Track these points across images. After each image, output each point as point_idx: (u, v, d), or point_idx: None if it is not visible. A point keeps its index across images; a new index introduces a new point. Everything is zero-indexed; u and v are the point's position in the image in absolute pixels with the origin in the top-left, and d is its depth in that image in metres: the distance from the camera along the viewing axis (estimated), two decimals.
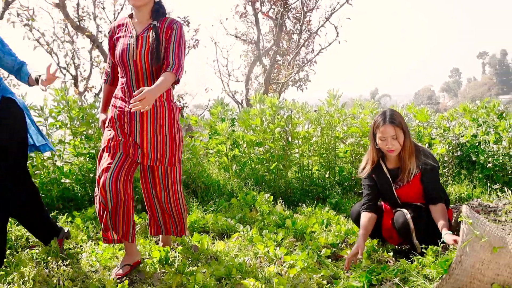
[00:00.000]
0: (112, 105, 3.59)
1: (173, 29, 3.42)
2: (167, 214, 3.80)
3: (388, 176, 3.93)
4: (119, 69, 3.55)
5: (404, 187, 3.86)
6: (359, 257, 3.66)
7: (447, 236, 3.31)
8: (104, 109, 3.85)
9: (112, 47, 3.61)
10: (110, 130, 3.52)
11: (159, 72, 3.38)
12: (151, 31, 3.39)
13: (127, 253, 3.58)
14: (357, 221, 4.13)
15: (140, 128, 3.44)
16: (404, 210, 3.76)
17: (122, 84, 3.51)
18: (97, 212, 3.46)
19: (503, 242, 2.91)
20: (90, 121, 5.49)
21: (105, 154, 3.47)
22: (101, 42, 11.53)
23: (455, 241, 3.16)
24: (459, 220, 3.01)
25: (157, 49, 3.34)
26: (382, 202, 4.20)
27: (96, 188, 3.40)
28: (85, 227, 4.52)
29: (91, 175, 5.59)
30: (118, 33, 3.56)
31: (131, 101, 3.01)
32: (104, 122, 3.75)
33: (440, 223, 3.53)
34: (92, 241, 4.23)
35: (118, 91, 3.57)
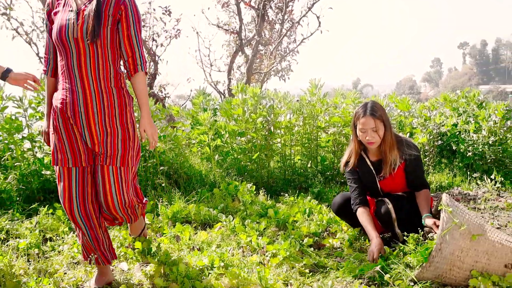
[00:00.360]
0: (54, 99, 3.06)
1: (127, 6, 2.96)
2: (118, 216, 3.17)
3: (372, 168, 3.94)
4: (57, 51, 3.01)
5: (388, 178, 3.87)
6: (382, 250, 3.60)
7: (427, 219, 3.36)
8: (49, 113, 3.15)
9: (51, 24, 3.04)
10: (53, 133, 3.03)
11: (105, 51, 2.93)
12: (93, 2, 2.88)
13: (100, 273, 3.23)
14: (338, 213, 4.14)
15: (87, 120, 2.93)
16: (386, 200, 3.79)
17: (62, 68, 2.97)
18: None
19: (482, 230, 2.95)
20: None
21: (60, 170, 3.02)
22: None
23: (435, 224, 3.21)
24: (439, 208, 3.04)
25: (97, 22, 2.84)
26: None
27: (67, 213, 3.05)
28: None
29: None
30: (56, 7, 3.03)
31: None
32: (47, 133, 3.21)
33: (422, 207, 3.60)
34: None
35: (59, 81, 3.05)
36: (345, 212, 4.07)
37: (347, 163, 4.03)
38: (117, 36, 3.00)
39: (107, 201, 2.98)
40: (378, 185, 3.92)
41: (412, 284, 3.06)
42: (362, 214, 3.83)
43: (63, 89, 2.96)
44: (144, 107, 3.10)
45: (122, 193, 3.00)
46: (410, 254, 3.26)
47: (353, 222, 4.08)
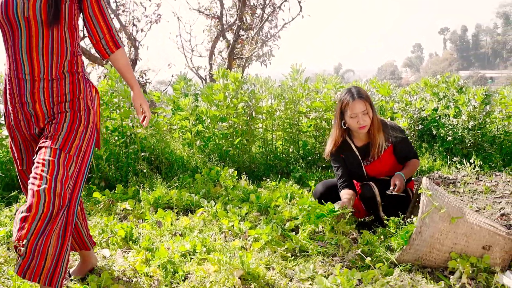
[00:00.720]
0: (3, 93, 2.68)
1: None
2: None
3: (357, 153, 3.95)
4: (1, 31, 2.55)
5: (374, 163, 3.89)
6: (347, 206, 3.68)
7: (395, 175, 3.57)
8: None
9: None
10: (8, 137, 2.71)
11: (61, 32, 2.50)
12: None
13: (83, 261, 3.11)
14: (320, 201, 4.15)
15: (34, 112, 2.54)
16: (371, 184, 3.81)
17: (8, 52, 2.52)
18: None
19: (461, 213, 2.99)
20: None
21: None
22: None
23: (396, 184, 3.40)
24: (419, 192, 3.07)
25: (56, 1, 2.43)
26: None
27: None
28: None
29: None
30: None
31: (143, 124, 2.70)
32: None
33: (403, 167, 3.74)
34: None
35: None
36: (327, 200, 4.08)
37: (332, 151, 4.02)
38: (79, 14, 2.61)
39: (33, 184, 2.33)
40: (364, 170, 3.93)
41: (393, 266, 3.09)
42: (345, 191, 3.88)
43: (9, 78, 2.56)
44: (133, 80, 2.86)
45: (55, 179, 2.35)
46: (391, 237, 3.29)
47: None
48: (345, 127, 3.86)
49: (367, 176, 3.96)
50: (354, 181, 4.12)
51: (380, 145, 3.80)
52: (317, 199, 4.15)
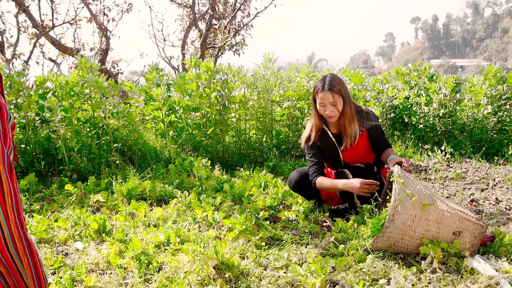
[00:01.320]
0: None
1: None
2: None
3: (334, 140, 3.96)
4: None
5: (350, 149, 3.91)
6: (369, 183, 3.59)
7: (390, 160, 3.43)
8: None
9: None
10: None
11: None
12: None
13: None
14: (295, 189, 4.15)
15: None
16: (346, 171, 3.83)
17: None
18: None
19: (432, 200, 3.03)
20: (19, 89, 5.28)
21: None
22: (28, 6, 11.04)
23: (398, 163, 3.28)
24: (391, 180, 3.10)
25: None
26: None
27: None
28: None
29: (22, 146, 5.41)
30: None
31: None
32: None
33: (389, 155, 3.63)
34: (25, 214, 4.11)
35: None
36: (302, 188, 4.10)
37: (309, 137, 4.01)
38: None
39: None
40: (341, 156, 3.95)
41: (366, 253, 3.13)
42: (323, 179, 3.85)
43: None
44: None
45: None
46: (364, 224, 3.33)
47: (309, 196, 4.13)
48: (320, 114, 3.87)
49: (343, 162, 3.97)
50: (329, 169, 4.14)
51: (353, 135, 3.81)
52: (292, 187, 4.16)
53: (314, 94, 3.79)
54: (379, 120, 3.93)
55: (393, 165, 3.25)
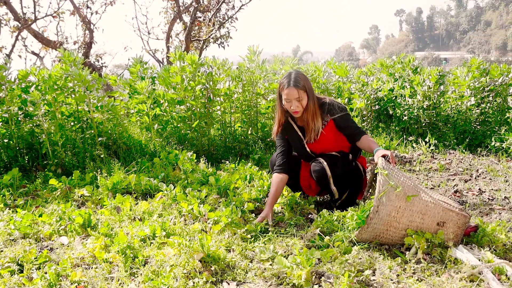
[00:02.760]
0: None
1: None
2: None
3: (299, 133, 4.01)
4: None
5: (316, 141, 3.94)
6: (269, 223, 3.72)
7: (377, 152, 3.39)
8: None
9: None
10: None
11: None
12: None
13: None
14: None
15: None
16: (321, 159, 3.86)
17: None
18: None
19: (416, 191, 3.06)
20: (1, 83, 5.22)
21: None
22: None
23: (383, 156, 3.28)
24: (375, 171, 3.12)
25: None
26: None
27: None
28: (1, 195, 4.35)
29: (5, 141, 5.36)
30: None
31: None
32: None
33: (370, 145, 3.63)
34: (9, 209, 4.08)
35: None
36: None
37: (278, 131, 4.07)
38: None
39: None
40: (307, 148, 3.98)
41: (352, 245, 3.15)
42: (274, 180, 3.91)
43: None
44: None
45: None
46: (349, 216, 3.34)
47: (293, 183, 4.16)
48: (284, 108, 3.91)
49: (313, 154, 4.00)
50: (303, 161, 4.17)
51: (316, 129, 3.86)
52: (273, 170, 4.19)
53: (280, 90, 3.83)
54: (345, 109, 3.92)
55: (378, 158, 3.27)
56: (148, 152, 5.88)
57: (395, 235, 3.10)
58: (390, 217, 3.00)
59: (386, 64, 7.67)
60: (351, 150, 4.04)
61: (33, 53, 14.06)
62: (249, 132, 6.59)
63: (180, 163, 5.16)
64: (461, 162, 5.62)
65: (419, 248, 2.96)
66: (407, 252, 3.00)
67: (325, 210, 3.65)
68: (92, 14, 12.83)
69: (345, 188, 3.74)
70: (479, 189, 4.55)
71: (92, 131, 5.65)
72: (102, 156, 5.51)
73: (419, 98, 6.56)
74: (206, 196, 4.26)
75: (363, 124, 7.14)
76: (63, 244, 3.39)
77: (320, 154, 3.98)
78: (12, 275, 2.83)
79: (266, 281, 2.75)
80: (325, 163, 3.80)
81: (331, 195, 3.90)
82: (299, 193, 4.18)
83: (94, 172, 4.99)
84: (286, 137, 4.06)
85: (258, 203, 4.20)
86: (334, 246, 3.11)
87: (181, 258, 2.85)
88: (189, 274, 2.74)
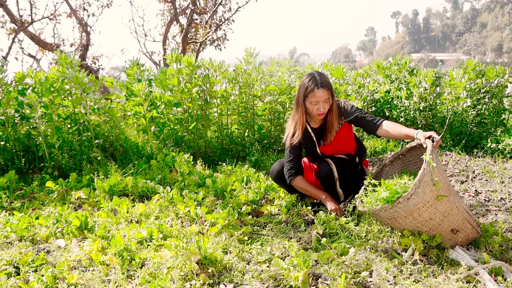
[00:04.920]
0: None
1: None
2: None
3: (313, 136, 3.97)
4: None
5: (328, 143, 3.92)
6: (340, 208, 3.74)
7: (419, 134, 3.22)
8: None
9: None
10: None
11: None
12: None
13: None
14: (277, 179, 4.16)
15: None
16: (329, 161, 3.85)
17: None
18: None
19: (449, 191, 2.99)
20: None
21: None
22: (6, 1, 10.90)
23: (429, 137, 3.09)
24: (422, 157, 2.96)
25: None
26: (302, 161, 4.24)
27: None
28: None
29: (1, 143, 5.35)
30: None
31: None
32: None
33: (400, 129, 3.48)
34: (6, 211, 4.07)
35: None
36: (283, 178, 4.11)
37: (293, 136, 3.94)
38: None
39: None
40: (318, 151, 3.96)
41: (348, 246, 3.15)
42: (301, 182, 3.89)
43: None
44: None
45: None
46: (377, 189, 3.20)
47: (291, 188, 4.15)
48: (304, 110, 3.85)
49: (323, 156, 3.99)
50: (306, 163, 4.17)
51: (335, 129, 3.84)
52: (273, 178, 4.19)
53: (307, 93, 3.70)
54: (357, 108, 3.87)
55: (425, 140, 3.08)
56: (145, 154, 5.87)
57: (409, 225, 3.01)
58: (416, 208, 2.89)
59: (382, 66, 7.68)
60: (357, 152, 4.05)
61: (29, 55, 14.06)
62: (246, 134, 6.59)
63: (177, 165, 5.16)
64: (458, 163, 5.63)
65: (415, 249, 2.96)
66: (403, 254, 3.01)
67: (322, 212, 3.66)
68: (88, 16, 12.85)
69: (350, 191, 3.72)
70: (475, 190, 4.57)
71: (89, 133, 5.65)
72: (99, 158, 5.51)
73: (416, 100, 6.58)
74: (203, 198, 4.26)
75: None
76: (60, 247, 3.39)
77: (328, 156, 3.97)
78: (8, 278, 2.83)
79: (263, 283, 2.75)
80: (333, 165, 3.80)
81: (335, 197, 3.90)
82: (296, 194, 4.19)
83: (91, 175, 4.98)
84: (301, 140, 3.95)
85: (255, 205, 4.20)
86: (331, 248, 3.11)
87: (178, 260, 2.85)
88: (186, 276, 2.75)
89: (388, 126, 3.59)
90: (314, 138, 3.97)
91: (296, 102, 3.87)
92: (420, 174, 2.85)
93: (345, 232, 3.37)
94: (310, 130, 3.98)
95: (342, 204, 3.96)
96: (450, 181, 4.96)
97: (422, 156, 2.93)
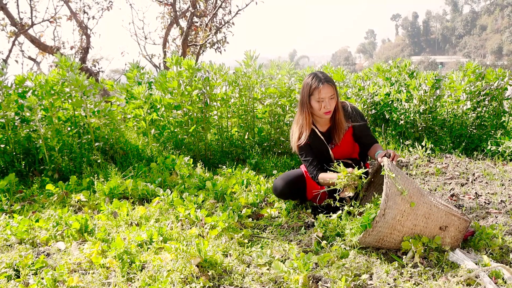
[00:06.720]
0: None
1: None
2: None
3: (323, 138, 3.93)
4: None
5: (337, 146, 3.91)
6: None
7: (378, 155, 3.36)
8: None
9: None
10: None
11: None
12: None
13: None
14: (280, 196, 4.13)
15: None
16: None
17: None
18: None
19: (420, 195, 3.04)
20: None
21: None
22: (6, 3, 10.91)
23: (385, 155, 3.26)
24: (382, 173, 3.06)
25: None
26: (303, 169, 4.22)
27: None
28: None
29: (1, 146, 5.35)
30: None
31: None
32: None
33: (376, 149, 3.63)
34: (5, 214, 4.07)
35: None
36: (287, 195, 4.10)
37: (299, 139, 3.92)
38: None
39: None
40: (331, 153, 3.94)
41: (348, 249, 3.15)
42: (325, 174, 3.77)
43: None
44: None
45: None
46: (350, 221, 3.32)
47: (296, 196, 4.15)
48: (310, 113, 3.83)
49: (333, 159, 3.97)
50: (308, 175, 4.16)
51: (343, 130, 3.82)
52: (277, 195, 4.15)
53: (311, 90, 3.68)
54: (365, 118, 3.88)
55: (381, 158, 3.22)
56: (145, 157, 5.87)
57: (398, 239, 3.08)
58: (395, 221, 2.97)
59: (382, 69, 7.68)
60: (360, 156, 4.04)
61: (30, 58, 14.06)
62: (246, 137, 6.59)
63: (177, 168, 5.16)
64: (458, 166, 5.63)
65: (416, 252, 2.97)
66: (404, 256, 3.00)
67: (322, 215, 3.66)
68: (89, 19, 12.85)
69: (356, 196, 3.71)
70: (476, 192, 4.57)
71: (89, 136, 5.65)
72: (99, 161, 5.51)
73: (416, 102, 6.58)
74: (203, 201, 4.26)
75: None
76: (59, 250, 3.38)
77: (336, 160, 3.96)
78: (8, 281, 2.83)
79: (263, 286, 2.75)
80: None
81: (340, 201, 3.89)
82: (297, 200, 4.19)
83: (91, 177, 4.98)
84: (308, 142, 3.92)
85: (255, 208, 4.20)
86: (331, 251, 3.11)
87: (178, 263, 2.85)
88: (186, 279, 2.74)
89: (372, 149, 3.75)
90: (325, 142, 3.93)
91: (300, 104, 3.85)
92: (384, 188, 2.93)
93: (347, 236, 3.37)
94: (319, 133, 3.93)
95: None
96: (450, 183, 4.95)
97: (381, 173, 3.07)
